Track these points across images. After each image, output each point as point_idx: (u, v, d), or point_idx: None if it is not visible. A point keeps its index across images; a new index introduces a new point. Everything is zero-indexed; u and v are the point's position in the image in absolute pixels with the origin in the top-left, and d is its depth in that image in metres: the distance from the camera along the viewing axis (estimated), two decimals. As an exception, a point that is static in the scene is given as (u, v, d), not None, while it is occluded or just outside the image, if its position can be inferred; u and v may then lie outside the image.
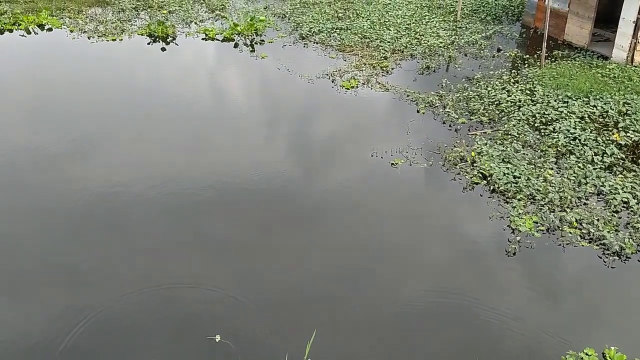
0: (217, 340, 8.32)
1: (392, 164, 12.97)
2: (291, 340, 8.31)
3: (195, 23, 22.23)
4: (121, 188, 11.73)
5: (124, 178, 12.07)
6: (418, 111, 15.49)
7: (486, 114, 15.08)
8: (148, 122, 14.61)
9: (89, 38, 20.29)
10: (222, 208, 11.35)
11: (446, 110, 15.35)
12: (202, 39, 20.78)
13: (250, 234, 10.64)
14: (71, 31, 20.88)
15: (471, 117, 15.06)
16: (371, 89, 16.85)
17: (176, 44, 20.38)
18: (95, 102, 15.51)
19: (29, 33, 20.86)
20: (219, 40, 20.75)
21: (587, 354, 8.26)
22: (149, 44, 20.24)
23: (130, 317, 8.72)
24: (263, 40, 20.72)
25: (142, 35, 20.82)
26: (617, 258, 10.27)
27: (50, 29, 21.15)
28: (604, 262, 10.21)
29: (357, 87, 16.91)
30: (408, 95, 16.32)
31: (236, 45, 20.36)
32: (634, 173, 12.50)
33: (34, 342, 8.23)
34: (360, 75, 17.55)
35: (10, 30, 20.96)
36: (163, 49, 19.90)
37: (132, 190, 11.67)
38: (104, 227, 10.64)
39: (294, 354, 8.05)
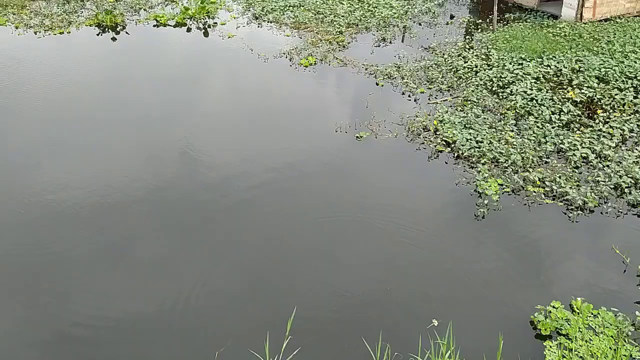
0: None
1: (357, 137, 13.05)
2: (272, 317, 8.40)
3: (145, 10, 21.73)
4: (68, 190, 11.55)
5: (78, 178, 11.87)
6: (377, 84, 15.57)
7: (444, 82, 15.25)
8: (108, 115, 14.32)
9: (35, 33, 19.65)
10: (182, 187, 11.26)
11: (404, 80, 15.46)
12: (154, 25, 20.36)
13: (217, 213, 10.61)
14: (16, 27, 20.18)
15: (430, 86, 15.21)
16: (329, 64, 16.82)
17: (127, 32, 19.92)
18: (48, 100, 15.11)
19: (-28, 32, 20.08)
20: (171, 25, 20.37)
21: (554, 307, 8.56)
22: (98, 34, 19.74)
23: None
24: (216, 23, 20.41)
25: (90, 26, 20.26)
26: (581, 212, 10.62)
27: (-7, 26, 20.39)
28: (569, 217, 10.55)
29: (315, 64, 16.86)
30: (366, 69, 16.37)
31: (189, 30, 20.03)
32: (591, 128, 12.87)
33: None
34: (317, 52, 17.49)
35: (-49, 31, 20.14)
36: (114, 39, 19.43)
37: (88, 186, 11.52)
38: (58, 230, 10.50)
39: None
